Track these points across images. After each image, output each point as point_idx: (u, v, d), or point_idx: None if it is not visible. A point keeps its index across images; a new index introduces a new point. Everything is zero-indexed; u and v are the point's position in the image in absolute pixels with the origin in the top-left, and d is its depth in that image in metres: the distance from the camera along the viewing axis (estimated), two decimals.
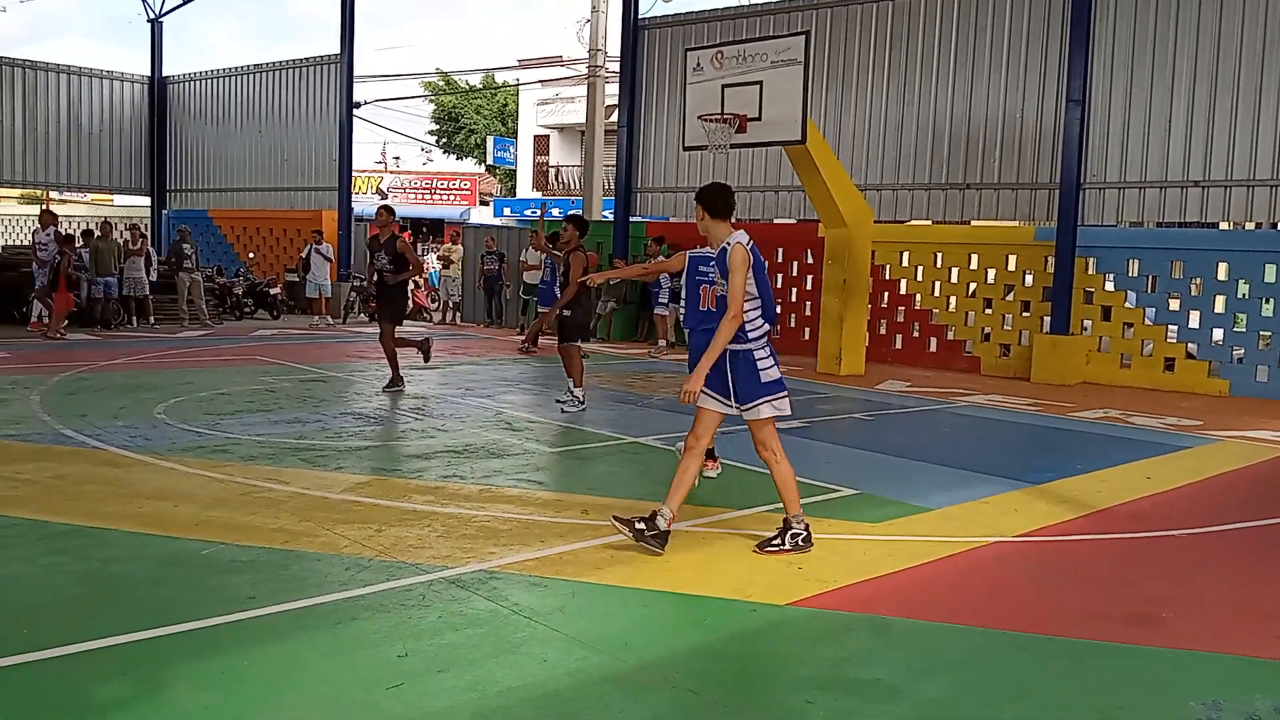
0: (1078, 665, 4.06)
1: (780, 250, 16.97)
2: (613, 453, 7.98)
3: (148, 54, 28.99)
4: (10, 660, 3.67)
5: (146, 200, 29.68)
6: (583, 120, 27.77)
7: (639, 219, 19.63)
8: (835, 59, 16.93)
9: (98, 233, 17.94)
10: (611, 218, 19.72)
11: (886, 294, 15.85)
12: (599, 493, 6.50)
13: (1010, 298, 14.94)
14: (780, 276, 16.93)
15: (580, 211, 9.66)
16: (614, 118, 22.12)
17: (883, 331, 15.88)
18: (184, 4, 28.01)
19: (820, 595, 4.70)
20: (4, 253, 20.98)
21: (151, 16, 28.48)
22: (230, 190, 27.02)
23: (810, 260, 16.52)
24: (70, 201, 38.27)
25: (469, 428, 8.70)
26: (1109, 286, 14.15)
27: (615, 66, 21.76)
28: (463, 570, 4.82)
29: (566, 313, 9.61)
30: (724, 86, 12.87)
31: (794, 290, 16.90)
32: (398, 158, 46.50)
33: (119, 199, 33.79)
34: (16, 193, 41.89)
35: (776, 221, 18.42)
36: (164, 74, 28.83)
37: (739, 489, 6.73)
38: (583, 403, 9.66)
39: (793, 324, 16.87)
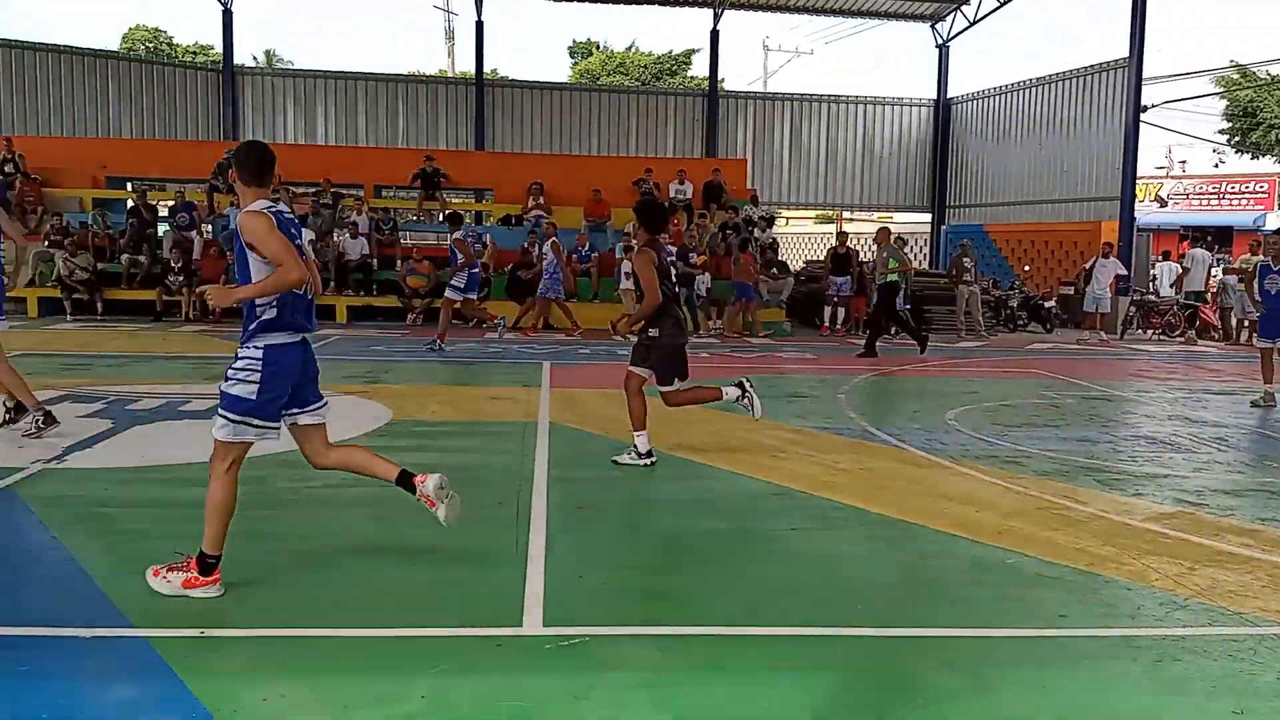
0: None
1: None
2: None
3: (933, 78, 30.77)
4: (847, 631, 4.14)
5: (926, 217, 31.54)
6: None
7: None
8: None
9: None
10: None
11: None
12: None
13: None
14: None
15: (651, 197, 7.08)
16: None
17: None
18: (968, 29, 29.11)
19: None
20: (806, 267, 23.98)
21: (939, 43, 30.16)
22: (1005, 204, 27.44)
23: None
24: (856, 220, 42.44)
25: None
26: None
27: None
28: None
29: (653, 332, 6.96)
30: None
31: None
32: (1183, 161, 42.81)
33: (899, 216, 36.41)
34: (813, 213, 47.66)
35: None
36: (948, 96, 30.32)
37: None
38: (648, 457, 6.92)
39: None
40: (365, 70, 32.41)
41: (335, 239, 18.95)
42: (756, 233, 20.08)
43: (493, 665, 3.68)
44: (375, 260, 19.17)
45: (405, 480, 4.59)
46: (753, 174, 28.21)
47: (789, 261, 23.63)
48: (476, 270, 14.49)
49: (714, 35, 31.06)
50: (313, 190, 20.18)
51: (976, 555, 5.20)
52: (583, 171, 22.76)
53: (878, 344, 14.79)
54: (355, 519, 5.58)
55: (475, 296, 14.64)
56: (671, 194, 21.45)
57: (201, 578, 4.25)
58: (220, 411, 4.29)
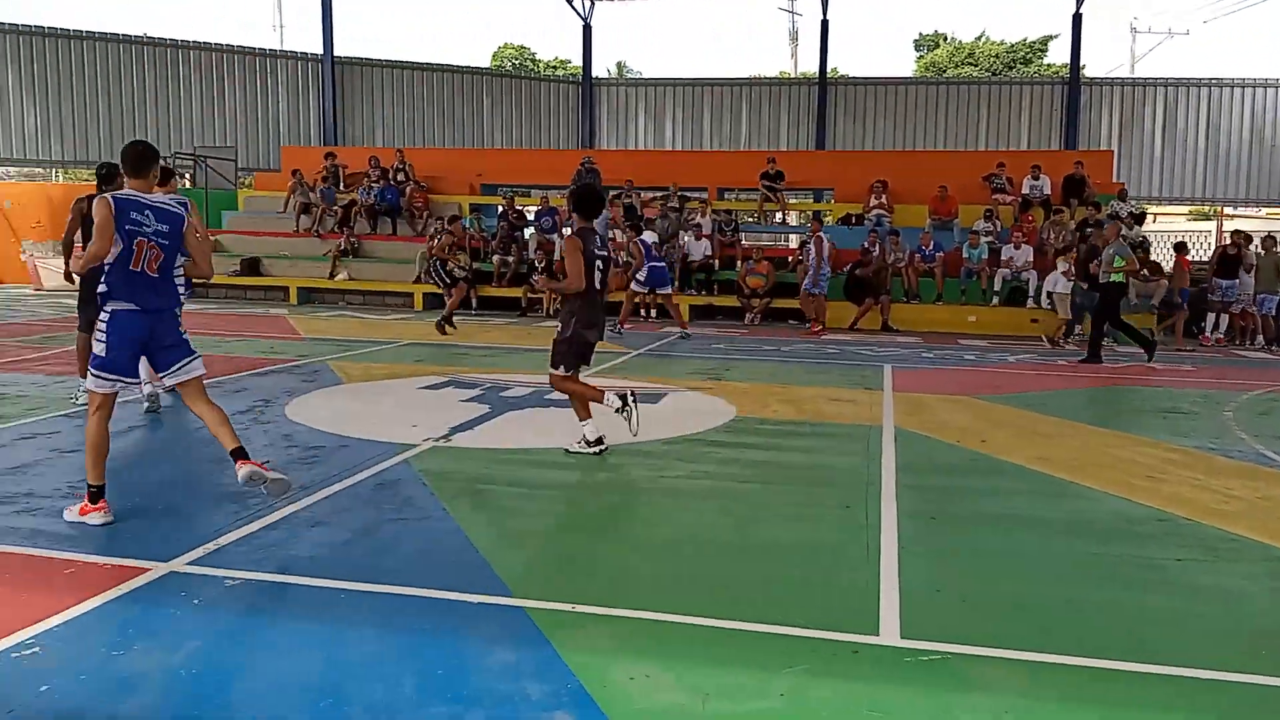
0: None
1: None
2: None
3: None
4: (1254, 678, 3.67)
5: None
6: None
7: None
8: None
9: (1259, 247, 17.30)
10: None
11: None
12: None
13: None
14: None
15: (589, 183, 7.35)
16: None
17: None
18: None
19: None
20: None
21: None
22: None
23: None
24: (1240, 216, 37.98)
25: None
26: None
27: None
28: None
29: (566, 333, 6.83)
30: None
31: None
32: None
33: None
34: (1185, 209, 43.19)
35: None
36: None
37: None
38: (598, 444, 6.86)
39: None
40: (710, 76, 33.36)
41: (681, 240, 19.62)
42: (1123, 230, 18.45)
43: (850, 671, 3.62)
44: (717, 260, 19.64)
45: (238, 454, 5.05)
46: (1119, 166, 26.05)
47: (1161, 262, 21.53)
48: (660, 265, 15.85)
49: (1076, 19, 29.04)
50: (661, 194, 21.02)
51: None
52: (928, 168, 22.06)
53: (1101, 351, 13.63)
54: (706, 510, 5.71)
55: (667, 291, 15.95)
56: (1025, 189, 20.24)
57: (90, 505, 5.03)
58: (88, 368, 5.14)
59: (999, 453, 7.37)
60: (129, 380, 5.20)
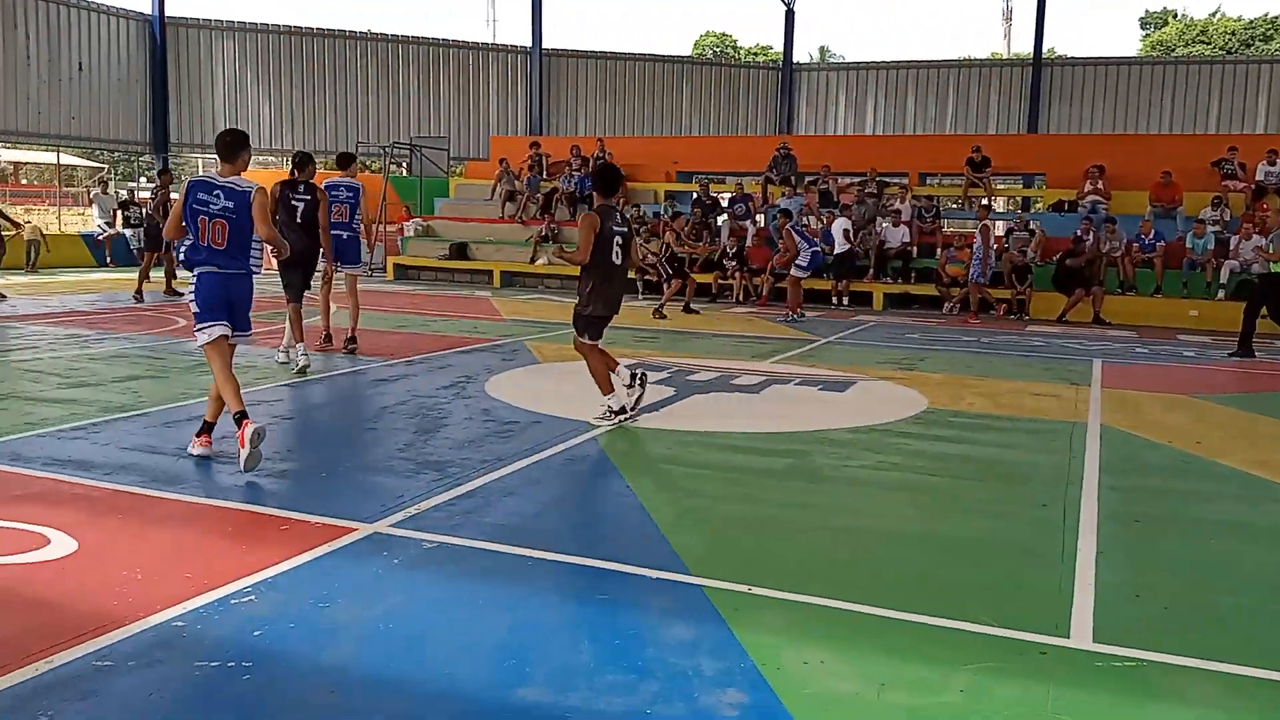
0: None
1: None
2: None
3: None
4: None
5: None
6: None
7: None
8: None
9: None
10: None
11: None
12: None
13: None
14: None
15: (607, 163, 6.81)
16: None
17: None
18: None
19: None
20: None
21: None
22: None
23: None
24: None
25: None
26: None
27: None
28: None
29: (588, 310, 7.21)
30: None
31: None
32: None
33: None
34: None
35: None
36: None
37: None
38: (621, 413, 7.14)
39: None
40: (915, 59, 32.40)
41: (878, 227, 19.18)
42: None
43: (1036, 672, 3.48)
44: (915, 248, 19.09)
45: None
46: None
47: None
48: (818, 250, 16.99)
49: None
50: (858, 179, 20.60)
51: None
52: (1150, 152, 20.67)
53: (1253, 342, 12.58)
54: (895, 501, 5.60)
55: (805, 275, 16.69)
56: (1260, 175, 18.67)
57: (241, 430, 5.46)
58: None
59: (1214, 455, 6.87)
60: (224, 325, 5.81)
